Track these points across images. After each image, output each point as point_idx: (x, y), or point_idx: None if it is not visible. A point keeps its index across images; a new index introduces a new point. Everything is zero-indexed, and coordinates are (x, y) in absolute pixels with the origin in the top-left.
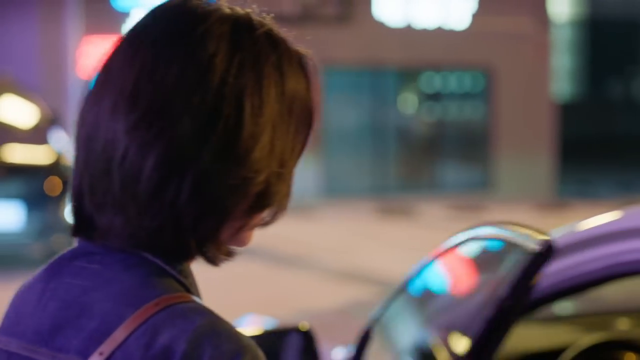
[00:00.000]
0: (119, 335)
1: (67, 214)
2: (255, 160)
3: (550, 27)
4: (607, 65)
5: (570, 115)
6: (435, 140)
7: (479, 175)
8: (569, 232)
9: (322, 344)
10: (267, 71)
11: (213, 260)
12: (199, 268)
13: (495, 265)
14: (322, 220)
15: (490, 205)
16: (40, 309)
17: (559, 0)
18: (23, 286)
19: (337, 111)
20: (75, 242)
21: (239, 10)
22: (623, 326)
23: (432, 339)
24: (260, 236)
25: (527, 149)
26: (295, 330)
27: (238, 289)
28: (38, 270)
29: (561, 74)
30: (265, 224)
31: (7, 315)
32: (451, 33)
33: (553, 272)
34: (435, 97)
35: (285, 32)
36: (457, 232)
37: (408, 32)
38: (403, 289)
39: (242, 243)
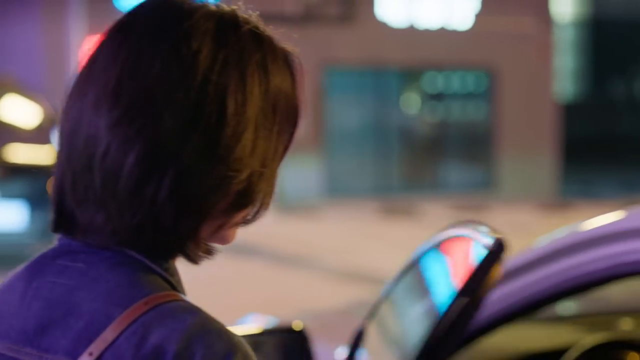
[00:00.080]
0: (108, 335)
1: None
2: (236, 158)
3: (553, 27)
4: (610, 65)
5: (573, 116)
6: (438, 140)
7: (481, 175)
8: (571, 232)
9: (324, 344)
10: (251, 69)
11: (193, 258)
12: (200, 268)
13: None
14: (325, 220)
15: (493, 205)
16: (24, 308)
17: (562, 1)
18: (2, 285)
19: (339, 111)
20: (56, 241)
21: (225, 7)
22: (626, 326)
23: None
24: (262, 236)
25: (530, 149)
26: (288, 329)
27: (240, 289)
28: (17, 269)
29: (564, 74)
30: (247, 222)
31: None
32: (454, 33)
33: (556, 272)
34: (438, 97)
35: (271, 30)
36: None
37: (411, 32)
38: (390, 290)
39: (224, 241)
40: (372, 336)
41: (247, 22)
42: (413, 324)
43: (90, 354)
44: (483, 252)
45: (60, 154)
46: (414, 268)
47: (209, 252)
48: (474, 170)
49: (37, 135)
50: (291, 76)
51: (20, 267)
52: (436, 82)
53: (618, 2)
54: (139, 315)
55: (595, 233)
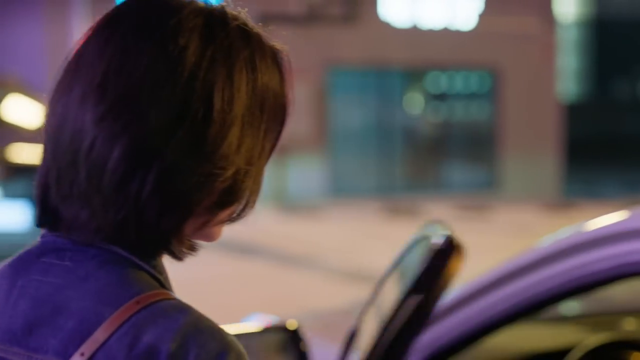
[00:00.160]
0: (100, 335)
1: None
2: (222, 156)
3: (556, 27)
4: (614, 65)
5: (576, 116)
6: (441, 140)
7: (485, 175)
8: (575, 232)
9: (326, 344)
10: (238, 66)
11: (176, 255)
12: (204, 267)
13: None
14: (328, 219)
15: (497, 205)
16: (10, 307)
17: (565, 1)
18: None
19: (342, 111)
20: (39, 237)
21: (214, 4)
22: (630, 326)
23: None
24: (265, 235)
25: (533, 149)
26: (283, 329)
27: (243, 289)
28: None
29: (567, 74)
30: (233, 220)
31: None
32: (457, 33)
33: (560, 272)
34: (441, 97)
35: (259, 27)
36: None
37: (414, 32)
38: (376, 292)
39: (209, 238)
40: (365, 336)
41: (235, 18)
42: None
43: (82, 355)
44: (433, 251)
45: (46, 149)
46: (393, 270)
47: (193, 249)
48: (477, 170)
49: (40, 136)
50: (280, 74)
51: (2, 265)
52: (439, 82)
53: (621, 2)
54: (130, 315)
55: (598, 233)
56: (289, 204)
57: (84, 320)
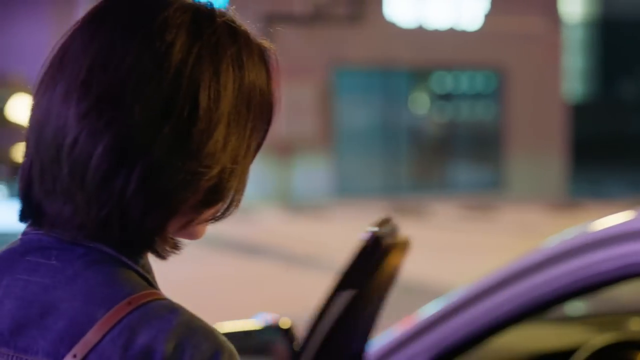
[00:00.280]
0: (92, 336)
1: None
2: (208, 154)
3: (562, 27)
4: (619, 65)
5: (582, 116)
6: (447, 140)
7: (490, 175)
8: (581, 232)
9: None
10: (225, 63)
11: (160, 254)
12: (208, 267)
13: None
14: (333, 219)
15: (502, 205)
16: None
17: (571, 1)
18: None
19: (348, 111)
20: (21, 235)
21: (217, 4)
22: (636, 326)
23: None
24: (271, 236)
25: (539, 149)
26: (276, 327)
27: (248, 288)
28: None
29: (573, 74)
30: (217, 219)
31: None
32: (463, 33)
33: (566, 272)
34: (446, 97)
35: (247, 24)
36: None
37: (420, 32)
38: None
39: (193, 236)
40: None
41: (222, 15)
42: None
43: (74, 356)
44: (360, 248)
45: (29, 143)
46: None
47: (176, 247)
48: (482, 170)
49: (24, 129)
50: (267, 72)
51: None
52: (445, 82)
53: (627, 2)
54: (123, 316)
55: (604, 233)
56: (294, 204)
57: (74, 320)
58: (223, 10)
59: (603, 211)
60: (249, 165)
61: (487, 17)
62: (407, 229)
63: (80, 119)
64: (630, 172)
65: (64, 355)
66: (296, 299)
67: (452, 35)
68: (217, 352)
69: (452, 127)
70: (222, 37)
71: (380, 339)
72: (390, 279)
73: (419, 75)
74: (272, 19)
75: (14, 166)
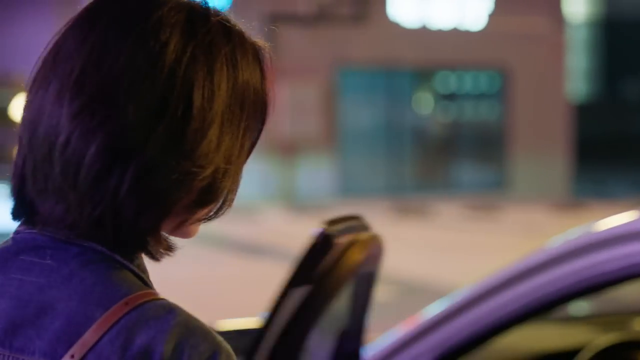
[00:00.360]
0: (90, 337)
1: None
2: (201, 154)
3: (565, 27)
4: (623, 65)
5: (586, 115)
6: (451, 140)
7: (494, 175)
8: (585, 232)
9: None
10: (219, 63)
11: (153, 255)
12: (213, 267)
13: None
14: None
15: (506, 205)
16: None
17: (574, 1)
18: None
19: (352, 111)
20: (13, 234)
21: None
22: None
23: None
24: (275, 235)
25: (543, 149)
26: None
27: (252, 288)
28: None
29: (577, 74)
30: (210, 219)
31: None
32: (466, 33)
33: (570, 272)
34: (450, 97)
35: (245, 24)
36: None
37: (423, 32)
38: None
39: (186, 235)
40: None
41: (217, 14)
42: None
43: (72, 357)
44: (309, 245)
45: (22, 140)
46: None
47: (170, 249)
48: (486, 170)
49: (17, 126)
50: (261, 71)
51: None
52: (449, 82)
53: (631, 2)
54: (120, 317)
55: (608, 233)
56: (298, 204)
57: (71, 320)
58: (217, 9)
59: (607, 211)
60: (242, 165)
61: (491, 17)
62: (410, 228)
63: (73, 118)
64: (633, 171)
65: (61, 356)
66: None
67: (456, 35)
68: (215, 353)
69: (455, 127)
70: (216, 37)
71: (384, 339)
72: (349, 275)
73: (422, 75)
74: (276, 19)
75: None
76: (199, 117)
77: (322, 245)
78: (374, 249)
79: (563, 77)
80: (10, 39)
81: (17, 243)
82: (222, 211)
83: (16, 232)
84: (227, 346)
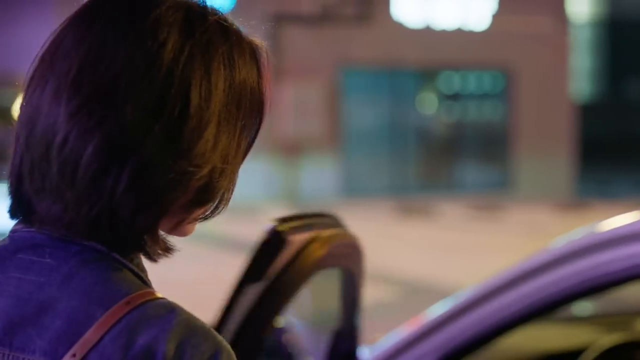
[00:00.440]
0: (91, 336)
1: None
2: (198, 154)
3: (569, 27)
4: (627, 65)
5: (590, 115)
6: (455, 140)
7: (498, 175)
8: (589, 233)
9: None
10: (216, 62)
11: (151, 255)
12: (217, 267)
13: None
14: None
15: (510, 205)
16: None
17: (578, 1)
18: None
19: (356, 111)
20: (10, 233)
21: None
22: None
23: None
24: None
25: (546, 149)
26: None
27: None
28: None
29: (580, 74)
30: (206, 218)
31: None
32: (470, 33)
33: (573, 272)
34: (454, 97)
35: (240, 22)
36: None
37: (427, 32)
38: None
39: (182, 234)
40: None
41: (214, 13)
42: None
43: (74, 356)
44: (260, 242)
45: (19, 138)
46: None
47: (168, 250)
48: (490, 170)
49: (14, 124)
50: (258, 70)
51: None
52: (452, 82)
53: (635, 2)
54: (122, 316)
55: (612, 233)
56: (301, 204)
57: (72, 320)
58: (215, 8)
59: (611, 211)
60: (239, 164)
61: (495, 17)
62: (414, 228)
63: (71, 117)
64: (637, 171)
65: (62, 355)
66: (304, 299)
67: (460, 35)
68: (217, 352)
69: (459, 127)
70: (213, 36)
71: (387, 339)
72: (307, 272)
73: (426, 76)
74: (280, 19)
75: None
76: (196, 116)
77: (273, 242)
78: (340, 246)
79: (567, 77)
80: (13, 39)
81: (15, 242)
82: (219, 210)
83: (13, 231)
84: (228, 346)
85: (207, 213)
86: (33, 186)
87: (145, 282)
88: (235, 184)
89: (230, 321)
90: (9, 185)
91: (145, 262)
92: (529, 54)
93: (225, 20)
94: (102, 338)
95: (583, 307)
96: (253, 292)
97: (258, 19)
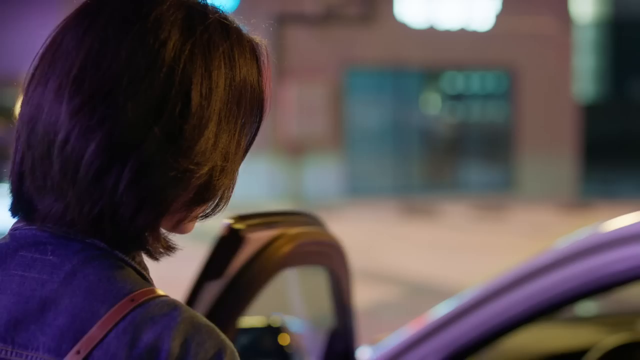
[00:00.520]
0: (96, 332)
1: None
2: (198, 152)
3: (573, 27)
4: (631, 65)
5: (594, 116)
6: (458, 141)
7: (502, 175)
8: (593, 233)
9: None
10: (217, 61)
11: (152, 253)
12: None
13: None
14: (345, 220)
15: (513, 205)
16: None
17: (582, 1)
18: None
19: (359, 111)
20: (10, 231)
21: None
22: None
23: None
24: None
25: (550, 149)
26: (267, 325)
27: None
28: None
29: (584, 74)
30: (207, 216)
31: None
32: (474, 33)
33: (577, 273)
34: (458, 97)
35: (242, 22)
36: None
37: (431, 33)
38: None
39: (183, 232)
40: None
41: (215, 11)
42: None
43: (78, 352)
44: (216, 240)
45: (20, 137)
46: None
47: (170, 249)
48: (494, 170)
49: (14, 122)
50: (258, 68)
51: None
52: (456, 82)
53: (639, 2)
54: (126, 313)
55: (616, 234)
56: (305, 204)
57: (76, 316)
58: (215, 6)
59: (615, 212)
60: (239, 162)
61: (499, 17)
62: (418, 229)
63: (72, 116)
64: None
65: (66, 351)
66: (307, 299)
67: (464, 35)
68: (221, 350)
69: (463, 128)
70: (214, 34)
71: (392, 339)
72: (270, 270)
73: (430, 76)
74: (284, 20)
75: None
76: (197, 114)
77: (228, 239)
78: (313, 245)
79: (571, 77)
80: (17, 39)
81: (17, 239)
82: (219, 208)
83: (13, 229)
84: (231, 344)
85: (207, 211)
86: (34, 184)
87: (148, 280)
88: (235, 182)
89: None
90: (10, 183)
91: (146, 262)
92: (533, 54)
93: (226, 18)
94: (106, 335)
95: (587, 308)
96: (212, 291)
97: (262, 20)
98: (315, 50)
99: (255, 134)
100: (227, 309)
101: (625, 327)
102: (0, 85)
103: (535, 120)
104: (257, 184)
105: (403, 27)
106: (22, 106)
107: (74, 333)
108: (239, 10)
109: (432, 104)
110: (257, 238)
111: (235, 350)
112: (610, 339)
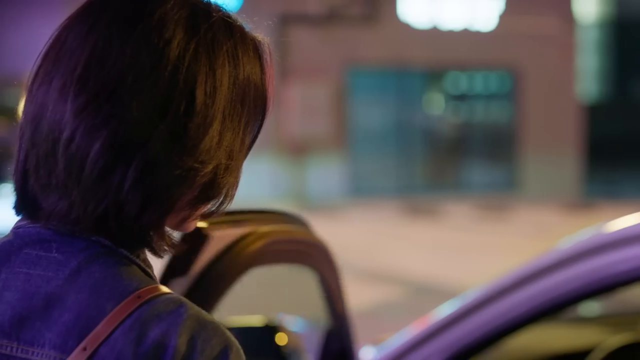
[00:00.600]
0: (102, 329)
1: None
2: (203, 150)
3: (576, 27)
4: (634, 65)
5: (597, 116)
6: (461, 141)
7: (505, 175)
8: (596, 233)
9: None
10: (221, 59)
11: (157, 251)
12: None
13: None
14: (348, 220)
15: (517, 205)
16: None
17: (585, 1)
18: None
19: (363, 111)
20: (14, 229)
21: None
22: None
23: None
24: None
25: (554, 150)
26: (265, 325)
27: (264, 290)
28: None
29: (587, 74)
30: (211, 214)
31: None
32: (477, 33)
33: (581, 273)
34: (461, 97)
35: (245, 20)
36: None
37: (434, 33)
38: None
39: (186, 230)
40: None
41: (219, 10)
42: None
43: (84, 349)
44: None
45: (24, 135)
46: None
47: (174, 246)
48: (497, 170)
49: (18, 120)
50: (261, 66)
51: None
52: (459, 82)
53: None
54: (133, 310)
55: (619, 234)
56: (308, 204)
57: (82, 313)
58: (219, 5)
59: (618, 212)
60: (243, 160)
61: (502, 17)
62: (421, 229)
63: (77, 115)
64: None
65: (72, 348)
66: (311, 300)
67: (467, 35)
68: (226, 347)
69: (466, 128)
70: (218, 33)
71: (395, 339)
72: (239, 268)
73: (433, 76)
74: (287, 20)
75: None
76: (201, 113)
77: (191, 237)
78: (288, 244)
79: (574, 77)
80: (19, 39)
81: (21, 237)
82: (224, 207)
83: (17, 227)
84: (236, 342)
85: (212, 209)
86: (38, 182)
87: (152, 278)
88: (239, 180)
89: None
90: (14, 181)
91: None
92: (536, 55)
93: (229, 16)
94: (113, 332)
95: (590, 308)
96: (177, 290)
97: (265, 20)
98: (318, 50)
99: (258, 132)
100: (206, 306)
101: (629, 327)
102: (2, 85)
103: (539, 121)
104: (259, 184)
105: (406, 27)
106: (25, 104)
107: (79, 330)
108: (242, 10)
109: (435, 104)
110: (222, 236)
111: (240, 348)
112: (614, 339)
